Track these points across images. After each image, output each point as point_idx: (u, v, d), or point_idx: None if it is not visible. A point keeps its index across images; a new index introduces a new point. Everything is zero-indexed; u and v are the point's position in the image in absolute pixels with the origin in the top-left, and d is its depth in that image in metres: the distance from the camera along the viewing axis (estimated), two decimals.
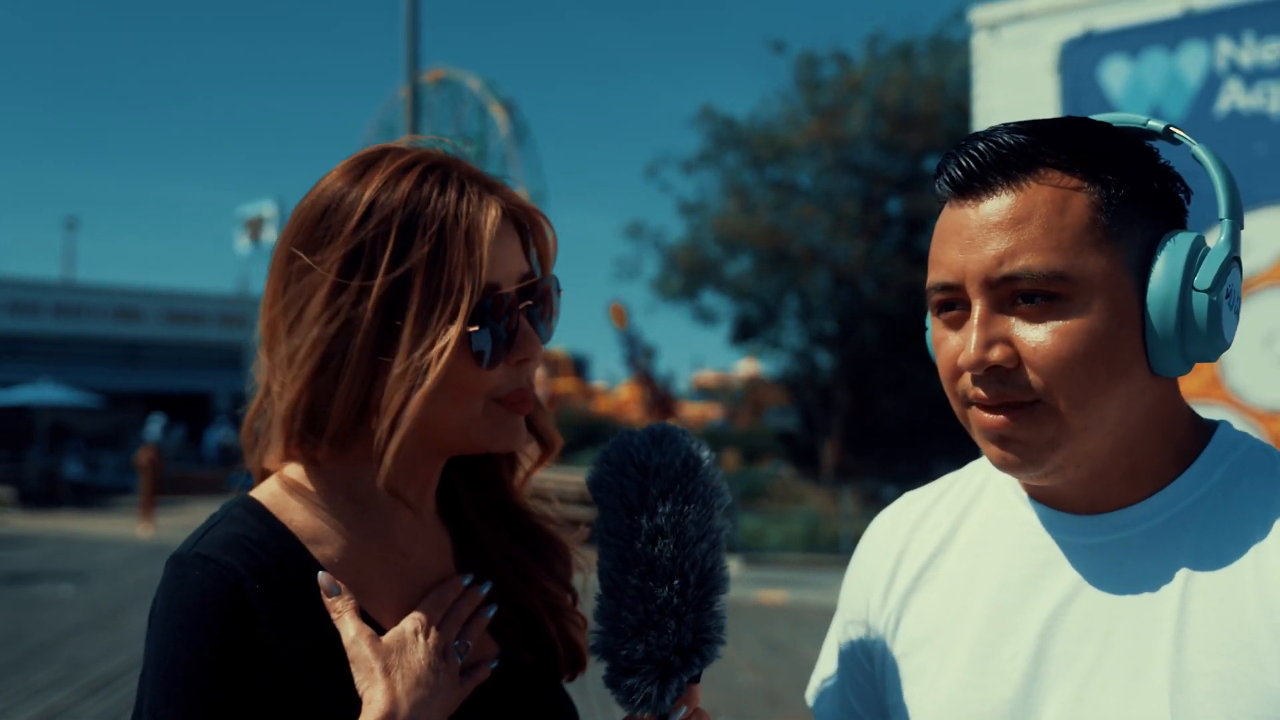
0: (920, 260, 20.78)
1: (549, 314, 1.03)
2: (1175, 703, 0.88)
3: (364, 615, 0.98)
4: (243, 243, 34.98)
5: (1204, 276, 0.93)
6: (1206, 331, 0.93)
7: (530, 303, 1.00)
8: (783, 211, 21.49)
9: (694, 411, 33.03)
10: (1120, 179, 0.93)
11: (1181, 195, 0.98)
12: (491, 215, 0.97)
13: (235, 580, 0.95)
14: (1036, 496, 1.02)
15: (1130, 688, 0.90)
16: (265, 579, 0.96)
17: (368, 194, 0.97)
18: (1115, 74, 10.25)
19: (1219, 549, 0.92)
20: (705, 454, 0.98)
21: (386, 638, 0.98)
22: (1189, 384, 10.02)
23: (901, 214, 21.84)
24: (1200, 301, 0.92)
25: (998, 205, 0.92)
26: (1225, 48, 9.66)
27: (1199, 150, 0.98)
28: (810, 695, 1.21)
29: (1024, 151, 0.93)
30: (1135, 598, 0.93)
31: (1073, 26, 10.46)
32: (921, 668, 1.02)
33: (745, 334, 23.59)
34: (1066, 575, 0.97)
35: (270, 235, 33.57)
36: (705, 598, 0.95)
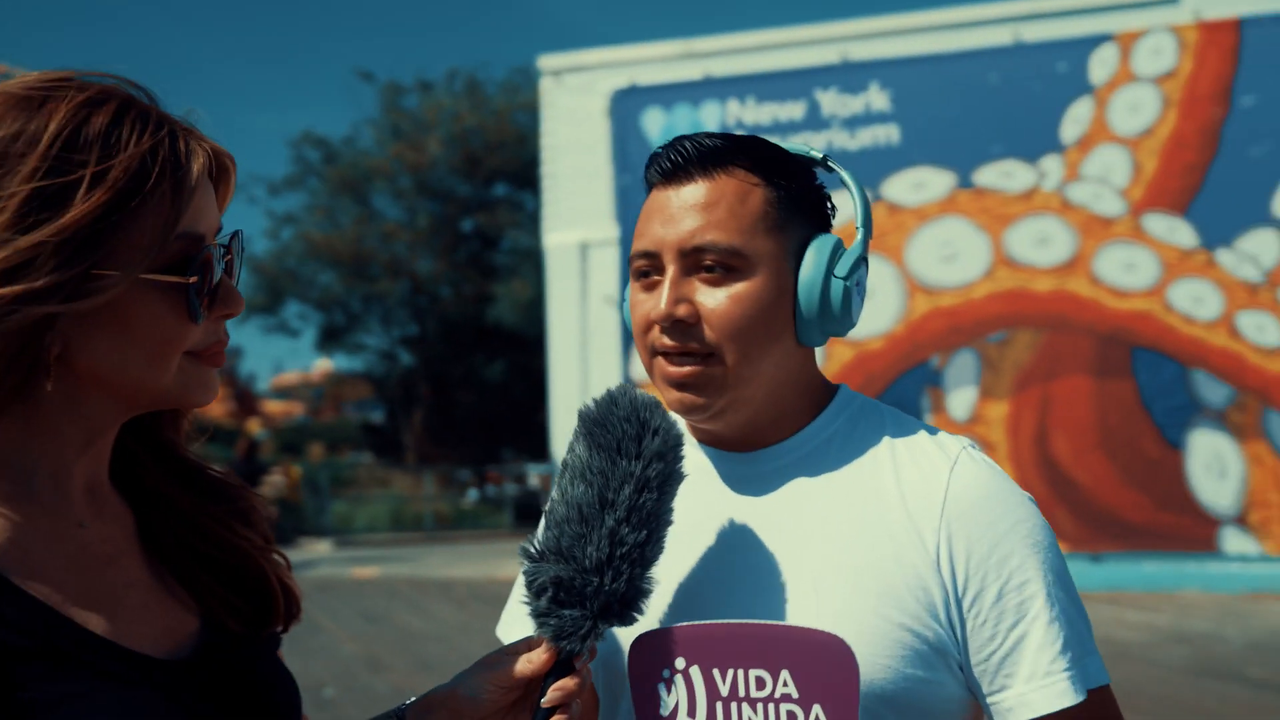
0: (490, 273, 22.18)
1: (239, 269, 0.93)
2: (819, 589, 1.03)
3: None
4: None
5: (842, 266, 1.07)
6: (839, 310, 1.07)
7: (230, 256, 0.91)
8: (367, 227, 21.87)
9: (276, 409, 32.04)
10: (789, 184, 1.08)
11: (829, 208, 1.13)
12: (199, 161, 0.86)
13: None
14: (704, 441, 1.14)
15: (788, 583, 1.05)
16: None
17: (53, 126, 0.81)
18: (654, 121, 12.05)
19: (848, 471, 1.09)
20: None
21: None
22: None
23: (474, 231, 23.18)
24: (837, 286, 1.07)
25: (694, 191, 1.06)
26: (734, 107, 11.75)
27: (845, 175, 1.13)
28: (501, 629, 1.25)
29: (719, 151, 1.06)
30: (789, 512, 1.08)
31: (621, 79, 12.13)
32: None
33: (330, 339, 23.85)
34: (735, 499, 1.11)
35: None
36: (652, 561, 0.96)
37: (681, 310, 1.04)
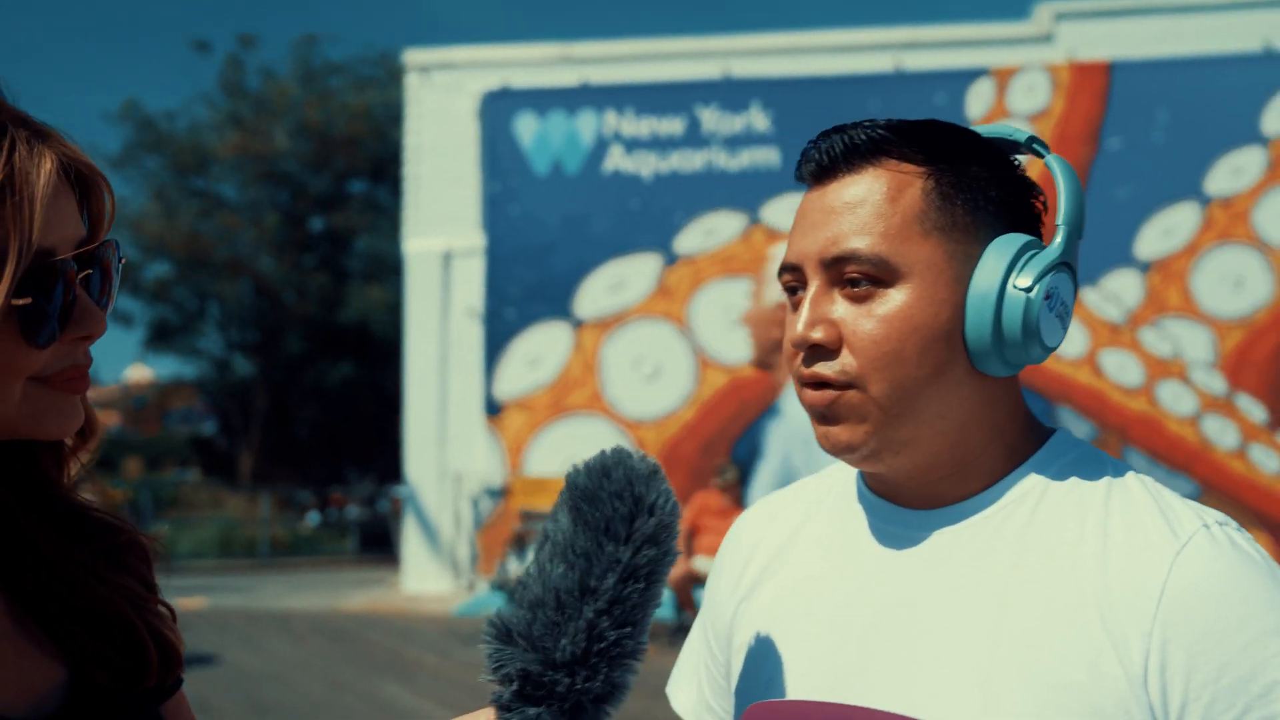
0: (341, 277, 20.97)
1: (109, 285, 0.86)
2: (986, 693, 0.86)
3: None
4: None
5: (1025, 276, 0.88)
6: (1021, 332, 0.88)
7: (89, 272, 0.84)
8: (206, 219, 20.47)
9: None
10: (958, 175, 0.90)
11: (1034, 204, 0.94)
12: (46, 168, 0.80)
13: None
14: (876, 491, 0.99)
15: (947, 677, 0.89)
16: None
17: None
18: (527, 127, 11.43)
19: (1043, 543, 0.90)
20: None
21: None
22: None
23: (325, 231, 21.85)
24: (1015, 301, 0.88)
25: (838, 190, 0.91)
26: (611, 119, 11.25)
27: (1051, 160, 0.95)
28: (670, 690, 1.15)
29: (871, 142, 0.91)
30: (959, 590, 0.91)
31: (493, 80, 11.46)
32: (760, 647, 1.00)
33: (161, 338, 22.06)
34: (899, 564, 0.95)
35: None
36: (635, 655, 0.87)
37: (819, 333, 0.90)
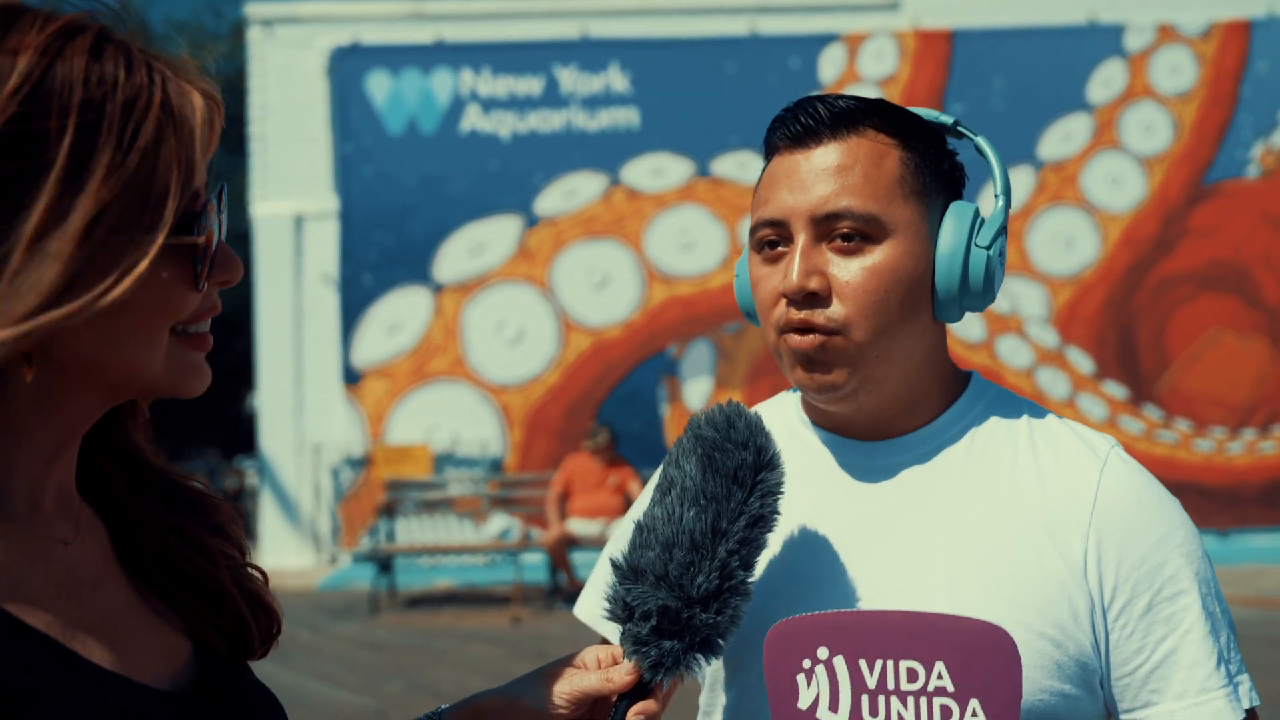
0: None
1: (224, 231, 0.83)
2: (951, 592, 0.98)
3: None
4: None
5: (984, 236, 1.03)
6: (981, 283, 1.02)
7: (222, 213, 0.82)
8: None
9: None
10: (925, 148, 1.03)
11: (962, 175, 1.09)
12: (198, 103, 0.77)
13: None
14: (824, 425, 1.09)
15: (915, 580, 1.00)
16: None
17: (23, 64, 0.70)
18: (379, 85, 10.99)
19: (983, 465, 1.03)
20: None
21: None
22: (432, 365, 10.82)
23: None
24: (979, 256, 1.02)
25: (826, 154, 1.00)
26: (468, 77, 10.95)
27: (980, 141, 1.09)
28: (583, 609, 1.18)
29: (852, 112, 1.01)
30: (916, 509, 1.03)
31: (342, 36, 10.96)
32: None
33: None
34: (858, 492, 1.05)
35: None
36: (750, 593, 0.92)
37: (814, 283, 0.99)
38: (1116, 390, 10.64)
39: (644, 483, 8.55)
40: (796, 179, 1.00)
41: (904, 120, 1.03)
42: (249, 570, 0.93)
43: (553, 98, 10.84)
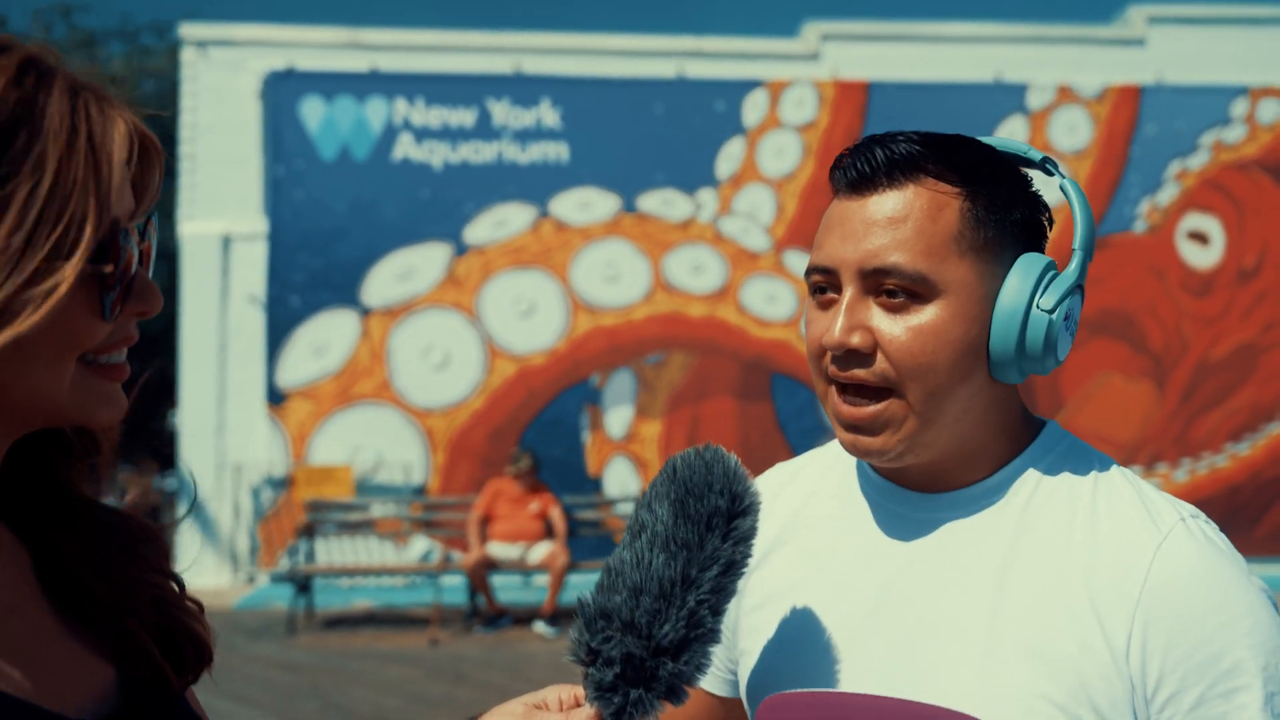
0: None
1: (149, 261, 0.82)
2: (986, 663, 0.92)
3: None
4: None
5: (1049, 297, 0.95)
6: (1042, 349, 0.95)
7: (146, 244, 0.81)
8: None
9: None
10: (992, 197, 0.96)
11: (1045, 222, 1.00)
12: (120, 132, 0.76)
13: None
14: (881, 473, 1.04)
15: (949, 647, 0.94)
16: None
17: None
18: (313, 111, 11.08)
19: (1039, 528, 0.96)
20: None
21: None
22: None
23: None
24: (1039, 321, 0.94)
25: (879, 204, 0.95)
26: (401, 107, 11.11)
27: (1066, 184, 1.00)
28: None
29: (912, 158, 0.95)
30: (961, 569, 0.97)
31: (277, 61, 11.05)
32: (769, 621, 1.05)
33: None
34: (903, 545, 1.00)
35: None
36: (719, 639, 0.90)
37: (856, 340, 0.95)
38: None
39: (564, 509, 8.81)
40: (849, 227, 0.96)
41: (969, 166, 0.96)
42: (180, 599, 0.91)
43: (485, 130, 11.03)
